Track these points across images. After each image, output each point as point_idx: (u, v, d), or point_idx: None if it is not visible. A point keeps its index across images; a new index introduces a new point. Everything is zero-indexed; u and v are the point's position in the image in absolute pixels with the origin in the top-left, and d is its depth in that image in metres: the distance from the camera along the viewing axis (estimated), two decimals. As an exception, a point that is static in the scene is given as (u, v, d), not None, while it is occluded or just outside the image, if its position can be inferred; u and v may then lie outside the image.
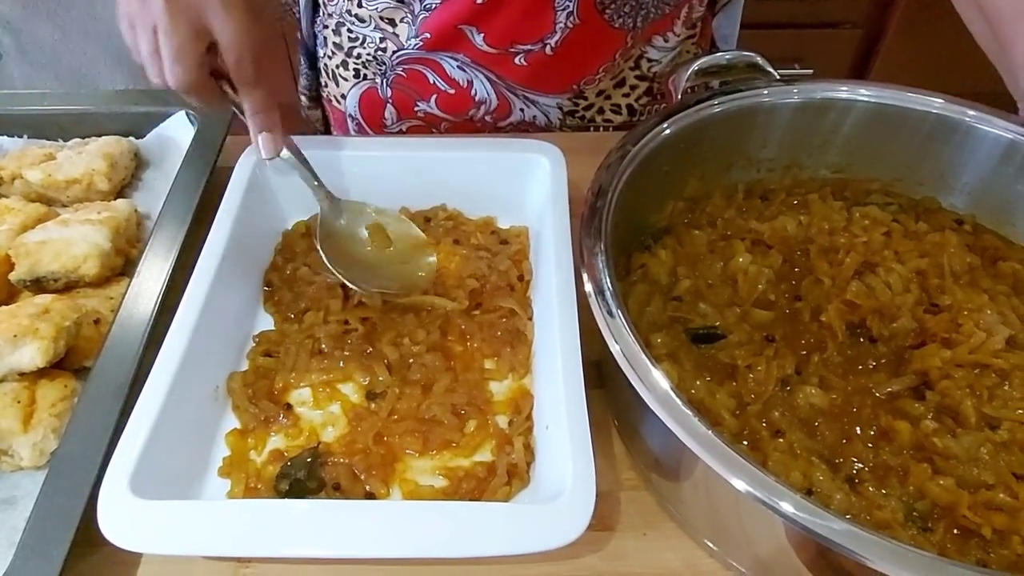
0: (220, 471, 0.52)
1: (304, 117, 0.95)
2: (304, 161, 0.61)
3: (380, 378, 0.56)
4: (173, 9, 0.50)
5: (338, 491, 0.51)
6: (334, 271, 0.59)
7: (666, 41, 0.80)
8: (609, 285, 0.49)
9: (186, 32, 0.50)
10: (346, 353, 0.58)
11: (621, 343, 0.46)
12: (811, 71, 1.71)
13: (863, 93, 0.63)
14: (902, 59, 1.78)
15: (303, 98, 0.93)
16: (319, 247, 0.60)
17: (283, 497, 0.50)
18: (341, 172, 0.67)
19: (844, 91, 0.63)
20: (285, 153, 0.60)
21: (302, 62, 0.90)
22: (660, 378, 0.44)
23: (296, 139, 0.68)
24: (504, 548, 0.43)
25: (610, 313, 0.47)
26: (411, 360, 0.58)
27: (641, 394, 0.44)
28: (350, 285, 0.59)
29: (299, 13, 0.87)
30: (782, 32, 1.76)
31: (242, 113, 0.58)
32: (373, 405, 0.55)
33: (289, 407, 0.56)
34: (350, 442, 0.53)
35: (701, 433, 0.41)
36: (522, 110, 0.81)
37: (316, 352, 0.58)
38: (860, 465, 0.49)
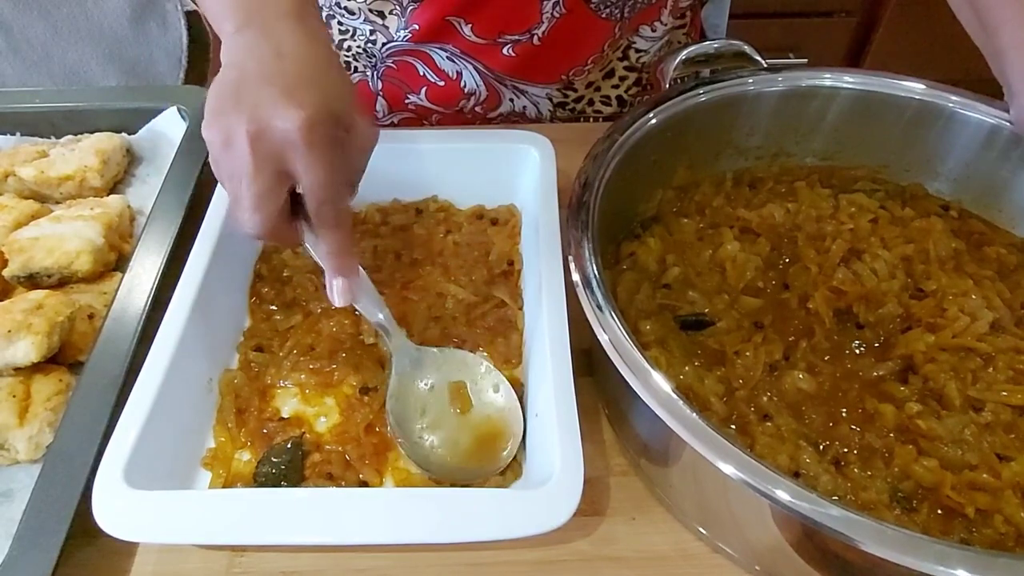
0: (203, 462, 0.52)
1: None
2: (387, 316, 0.55)
3: (371, 368, 0.57)
4: (258, 156, 0.44)
5: (331, 480, 0.51)
6: (402, 437, 0.53)
7: (654, 31, 0.80)
8: (596, 274, 0.49)
9: (269, 180, 0.45)
10: (342, 355, 0.58)
11: (608, 332, 0.46)
12: (805, 60, 1.71)
13: (847, 80, 0.63)
14: (896, 47, 1.78)
15: None
16: (389, 395, 0.54)
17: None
18: (332, 165, 0.68)
19: (828, 78, 0.63)
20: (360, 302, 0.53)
21: None
22: (648, 366, 0.44)
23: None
24: (493, 533, 0.43)
25: (597, 302, 0.48)
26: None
27: (629, 381, 0.44)
28: (417, 468, 0.52)
29: None
30: (776, 21, 1.76)
31: (315, 255, 0.52)
32: (367, 398, 0.56)
33: (281, 418, 0.55)
34: (342, 432, 0.53)
35: (688, 418, 0.42)
36: (512, 100, 0.82)
37: (307, 350, 0.58)
38: (846, 448, 0.50)
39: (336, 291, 0.51)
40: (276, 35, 0.46)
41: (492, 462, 0.52)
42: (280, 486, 0.51)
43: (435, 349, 0.57)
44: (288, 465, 0.52)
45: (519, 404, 0.54)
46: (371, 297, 0.54)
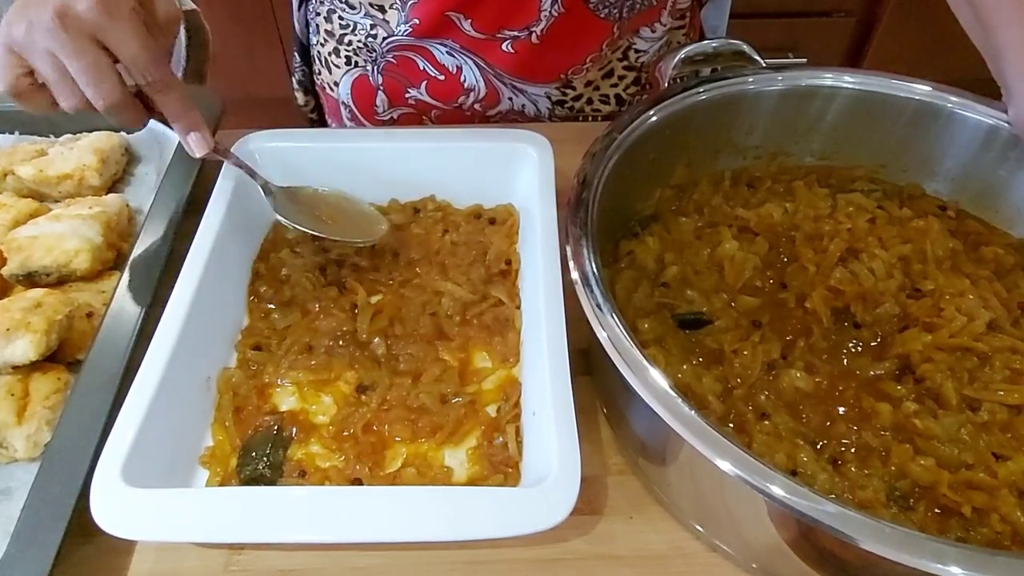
0: (201, 460, 0.52)
1: (297, 106, 0.96)
2: (237, 160, 0.62)
3: (369, 367, 0.57)
4: (70, 30, 0.48)
5: (327, 481, 0.51)
6: (297, 226, 0.60)
7: (653, 32, 0.80)
8: (594, 272, 0.49)
9: (94, 50, 0.49)
10: (339, 353, 0.58)
11: (607, 330, 0.46)
12: (804, 60, 1.71)
13: (847, 80, 0.63)
14: (896, 47, 1.78)
15: (296, 86, 0.94)
16: (279, 216, 0.61)
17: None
18: (330, 164, 0.68)
19: (828, 78, 0.63)
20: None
21: (295, 50, 0.91)
22: (646, 363, 0.44)
23: (286, 131, 0.69)
24: (491, 531, 0.43)
25: (596, 301, 0.48)
26: (399, 354, 0.58)
27: (627, 379, 0.44)
28: (317, 234, 0.61)
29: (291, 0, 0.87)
30: (775, 21, 1.76)
31: (164, 123, 0.57)
32: (364, 396, 0.56)
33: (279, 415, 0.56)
34: (339, 430, 0.54)
35: (686, 415, 0.42)
36: (511, 99, 0.82)
37: (305, 349, 0.58)
38: (843, 447, 0.50)
39: (193, 144, 0.56)
40: None
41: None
42: (262, 481, 0.51)
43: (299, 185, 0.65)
44: (270, 462, 0.52)
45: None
46: (226, 155, 0.61)
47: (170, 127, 0.56)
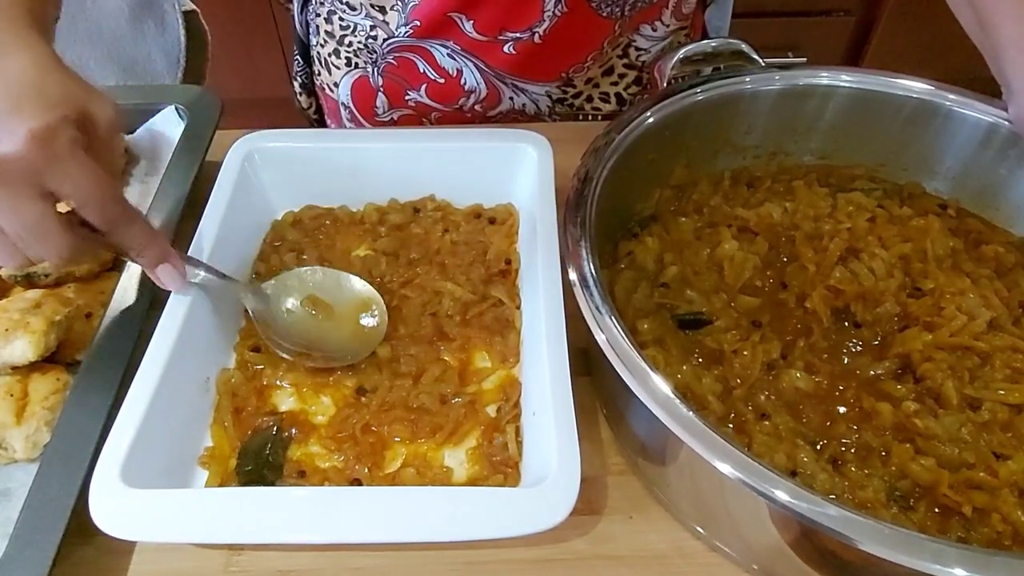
0: (200, 460, 0.52)
1: (300, 108, 0.96)
2: (209, 268, 0.56)
3: (369, 372, 0.57)
4: (5, 190, 0.40)
5: (327, 481, 0.51)
6: (283, 354, 0.56)
7: (655, 31, 0.80)
8: (594, 273, 0.49)
9: (33, 206, 0.41)
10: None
11: (606, 331, 0.46)
12: (804, 59, 1.71)
13: (844, 79, 0.63)
14: (895, 46, 1.78)
15: (299, 88, 0.94)
16: (262, 335, 0.57)
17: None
18: (329, 164, 0.68)
19: (826, 77, 0.63)
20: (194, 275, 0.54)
21: (296, 52, 0.91)
22: (645, 365, 0.44)
23: (286, 132, 0.69)
24: (490, 532, 0.43)
25: (595, 302, 0.48)
26: (401, 355, 0.58)
27: (626, 381, 0.44)
28: (309, 364, 0.57)
29: (292, 2, 0.87)
30: (775, 20, 1.76)
31: (124, 256, 0.50)
32: (363, 399, 0.56)
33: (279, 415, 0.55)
34: (339, 430, 0.54)
35: (686, 417, 0.42)
36: (511, 98, 0.82)
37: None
38: (843, 447, 0.50)
39: (167, 279, 0.51)
40: None
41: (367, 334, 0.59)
42: (261, 481, 0.51)
43: (272, 281, 0.60)
44: (269, 463, 0.52)
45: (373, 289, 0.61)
46: (198, 266, 0.55)
47: (132, 260, 0.50)
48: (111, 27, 1.04)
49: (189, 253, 0.58)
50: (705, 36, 0.91)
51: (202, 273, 0.55)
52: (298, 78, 0.93)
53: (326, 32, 0.83)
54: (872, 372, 0.54)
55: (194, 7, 1.08)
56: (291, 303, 0.60)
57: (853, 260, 0.60)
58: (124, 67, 1.05)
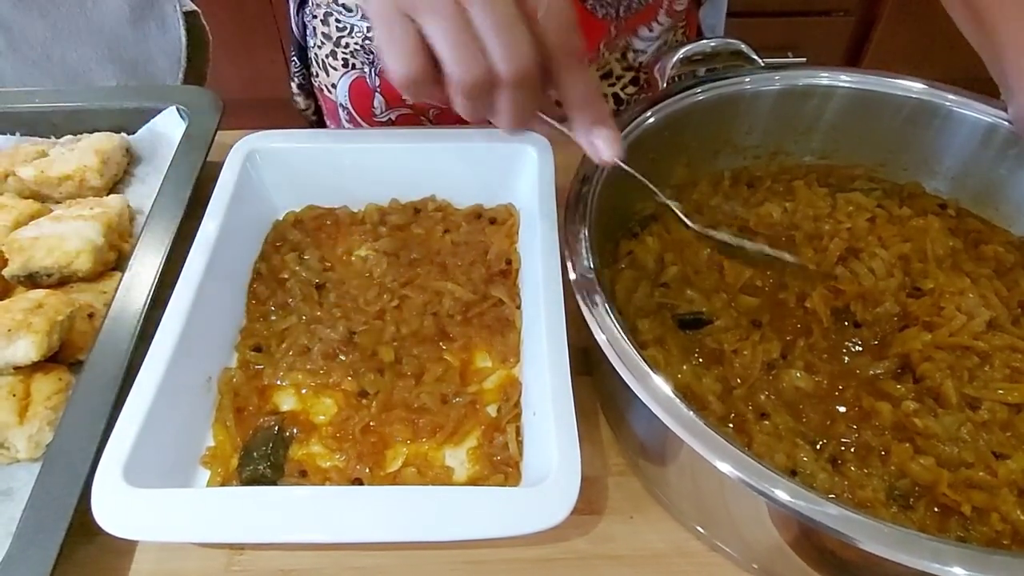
0: (202, 460, 0.53)
1: (298, 109, 0.96)
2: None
3: (371, 377, 0.56)
4: None
5: (328, 481, 0.51)
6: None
7: (651, 31, 0.80)
8: (594, 273, 0.49)
9: (513, 4, 0.37)
10: (340, 359, 0.58)
11: (606, 331, 0.46)
12: (804, 59, 1.71)
13: (844, 79, 0.63)
14: (895, 46, 1.78)
15: (296, 90, 0.94)
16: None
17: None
18: (330, 164, 0.68)
19: (825, 77, 0.64)
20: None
21: (293, 53, 0.91)
22: (645, 365, 0.44)
23: (287, 132, 0.69)
24: (491, 531, 0.43)
25: (595, 301, 0.48)
26: (404, 356, 0.58)
27: (626, 381, 0.44)
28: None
29: (288, 3, 0.87)
30: (775, 20, 1.76)
31: (561, 121, 0.44)
32: (364, 401, 0.56)
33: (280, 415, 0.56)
34: (340, 430, 0.54)
35: (686, 417, 0.42)
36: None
37: (304, 351, 0.58)
38: (843, 446, 0.50)
39: (604, 144, 0.43)
40: None
41: None
42: (263, 481, 0.51)
43: None
44: (271, 463, 0.52)
45: None
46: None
47: (563, 117, 0.43)
48: (112, 27, 1.05)
49: (190, 253, 0.58)
50: (700, 34, 0.91)
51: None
52: (295, 79, 0.93)
53: (323, 34, 0.83)
54: (872, 372, 0.54)
55: (195, 8, 1.08)
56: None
57: (853, 260, 0.60)
58: (125, 68, 1.05)
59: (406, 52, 0.39)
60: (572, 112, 0.42)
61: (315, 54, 0.87)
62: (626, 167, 0.47)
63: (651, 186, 0.50)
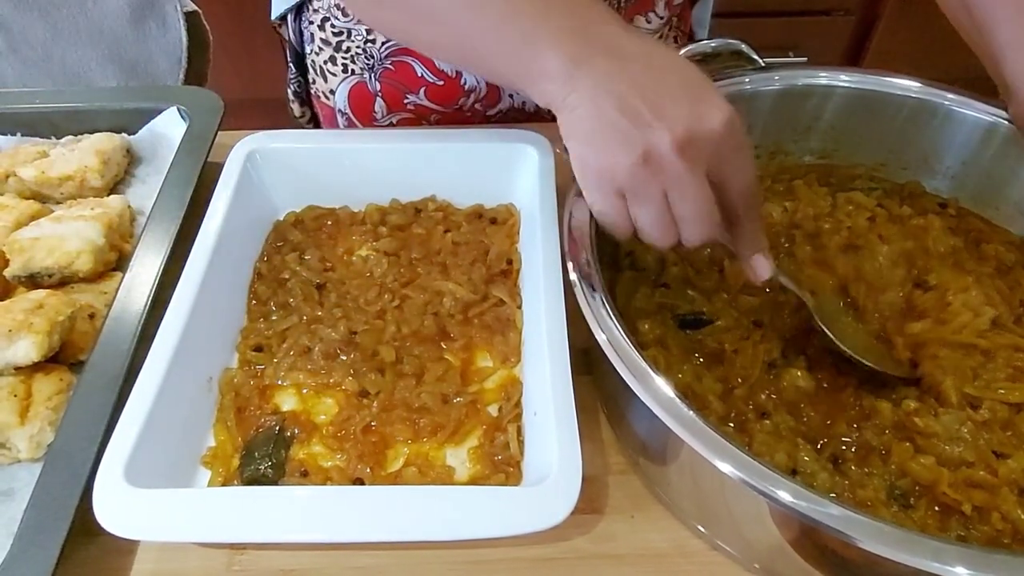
0: (203, 460, 0.53)
1: (293, 117, 0.96)
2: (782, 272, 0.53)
3: (372, 377, 0.56)
4: (693, 169, 0.41)
5: (329, 481, 0.51)
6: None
7: (648, 23, 0.80)
8: (595, 273, 0.49)
9: (708, 189, 0.42)
10: (341, 359, 0.58)
11: (606, 331, 0.46)
12: (804, 59, 1.71)
13: (843, 79, 0.63)
14: (896, 45, 1.78)
15: (292, 97, 0.94)
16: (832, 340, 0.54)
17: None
18: (331, 165, 0.68)
19: (825, 77, 0.64)
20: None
21: (290, 60, 0.91)
22: (646, 365, 0.44)
23: (288, 132, 0.69)
24: (492, 531, 0.44)
25: (595, 301, 0.48)
26: (405, 356, 0.58)
27: (626, 380, 0.44)
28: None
29: (285, 11, 0.87)
30: (775, 20, 1.76)
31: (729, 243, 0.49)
32: (365, 400, 0.56)
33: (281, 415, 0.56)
34: (341, 430, 0.54)
35: (686, 417, 0.42)
36: (511, 96, 0.82)
37: (305, 351, 0.58)
38: (844, 445, 0.50)
39: (760, 267, 0.49)
40: (626, 50, 0.44)
41: None
42: (264, 481, 0.51)
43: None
44: (273, 463, 0.52)
45: None
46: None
47: (730, 246, 0.49)
48: (112, 28, 1.05)
49: (191, 254, 0.58)
50: (691, 32, 0.91)
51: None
52: (291, 86, 0.92)
53: (321, 39, 0.83)
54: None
55: (196, 8, 1.08)
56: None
57: (853, 252, 0.60)
58: (125, 68, 1.05)
59: (618, 226, 0.46)
60: (740, 248, 0.48)
61: (313, 60, 0.86)
62: (781, 279, 0.53)
63: (794, 288, 0.54)
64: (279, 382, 0.57)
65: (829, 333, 0.54)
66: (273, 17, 0.86)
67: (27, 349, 0.54)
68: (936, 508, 0.47)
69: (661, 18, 0.81)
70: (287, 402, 0.56)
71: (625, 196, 0.44)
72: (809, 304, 0.54)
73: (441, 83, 0.80)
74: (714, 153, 0.42)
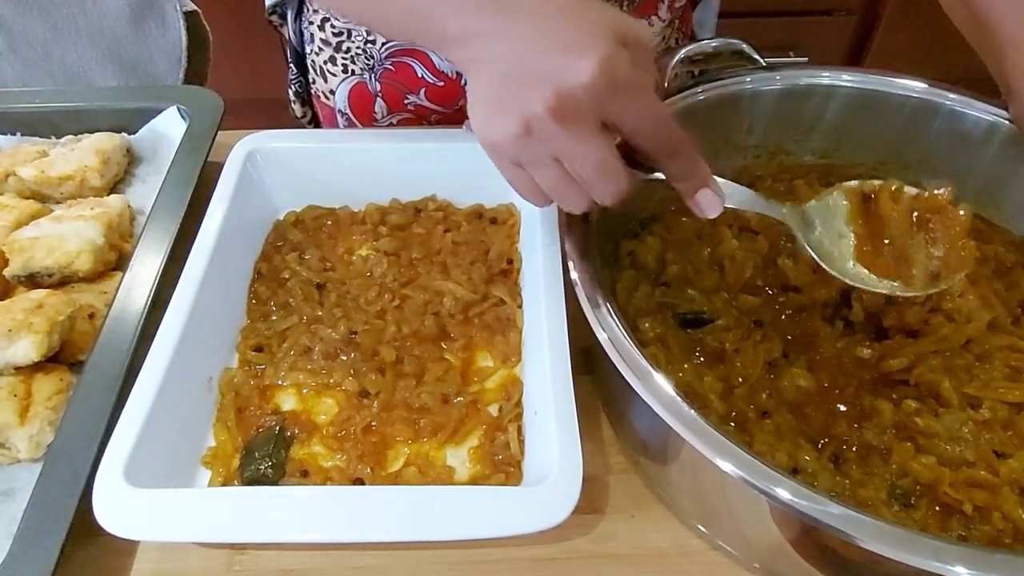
0: (203, 460, 0.53)
1: (294, 117, 0.96)
2: (744, 190, 0.50)
3: (372, 377, 0.56)
4: (575, 129, 0.39)
5: (329, 481, 0.51)
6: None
7: (651, 26, 0.80)
8: (595, 272, 0.49)
9: (601, 144, 0.40)
10: (341, 359, 0.58)
11: (607, 330, 0.46)
12: (805, 59, 1.71)
13: (845, 79, 0.63)
14: (897, 45, 1.78)
15: (292, 97, 0.93)
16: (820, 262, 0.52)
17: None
18: (331, 164, 0.68)
19: (826, 77, 0.63)
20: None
21: (290, 61, 0.91)
22: (646, 364, 0.44)
23: (288, 132, 0.69)
24: (492, 531, 0.44)
25: (596, 301, 0.48)
26: (405, 356, 0.58)
27: (628, 380, 0.44)
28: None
29: (284, 17, 0.87)
30: (776, 20, 1.76)
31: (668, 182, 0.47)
32: (366, 400, 0.56)
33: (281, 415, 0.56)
34: (341, 430, 0.54)
35: (687, 416, 0.42)
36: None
37: (305, 351, 0.58)
38: (844, 445, 0.50)
39: (706, 204, 0.46)
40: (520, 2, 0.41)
41: None
42: (264, 481, 0.51)
43: (814, 202, 0.54)
44: (273, 463, 0.52)
45: None
46: (738, 193, 0.50)
47: (670, 186, 0.47)
48: (112, 27, 1.05)
49: (191, 253, 0.58)
50: (693, 33, 0.91)
51: (738, 196, 0.50)
52: (292, 87, 0.92)
53: (321, 40, 0.83)
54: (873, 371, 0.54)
55: (195, 7, 1.08)
56: (840, 226, 0.54)
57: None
58: (125, 68, 1.05)
59: (530, 193, 0.46)
60: (677, 184, 0.46)
61: (313, 60, 0.86)
62: (742, 209, 0.52)
63: (763, 209, 0.52)
64: (279, 382, 0.57)
65: (809, 249, 0.52)
66: (267, 5, 0.86)
67: (27, 349, 0.54)
68: (937, 508, 0.47)
69: (663, 21, 0.81)
70: (287, 402, 0.56)
71: (524, 164, 0.43)
72: (787, 222, 0.52)
73: (441, 84, 0.80)
74: (595, 104, 0.39)
